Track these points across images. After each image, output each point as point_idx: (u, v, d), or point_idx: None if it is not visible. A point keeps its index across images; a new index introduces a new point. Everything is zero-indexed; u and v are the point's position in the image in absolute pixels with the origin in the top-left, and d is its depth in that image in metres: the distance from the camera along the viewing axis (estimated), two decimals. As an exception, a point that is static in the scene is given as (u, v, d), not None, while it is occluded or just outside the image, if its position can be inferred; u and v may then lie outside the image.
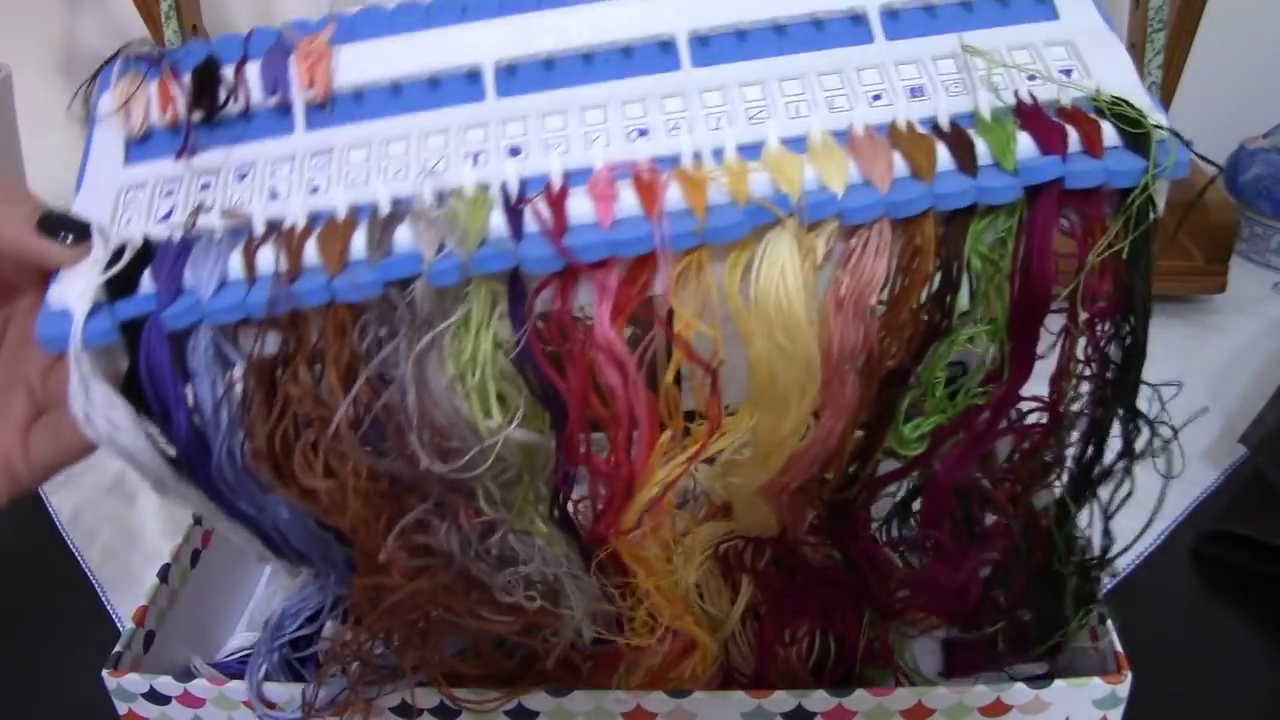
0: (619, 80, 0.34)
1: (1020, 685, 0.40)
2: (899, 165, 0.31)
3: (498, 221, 0.30)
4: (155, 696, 0.42)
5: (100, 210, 0.33)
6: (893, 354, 0.33)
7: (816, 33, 0.34)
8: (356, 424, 0.30)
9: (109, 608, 0.58)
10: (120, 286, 0.30)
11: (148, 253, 0.31)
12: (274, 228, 0.31)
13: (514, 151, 0.32)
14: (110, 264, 0.30)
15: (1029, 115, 0.32)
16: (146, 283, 0.31)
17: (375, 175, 0.32)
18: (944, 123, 0.32)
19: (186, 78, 0.34)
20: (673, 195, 0.31)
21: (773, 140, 0.32)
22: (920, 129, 0.32)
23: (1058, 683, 0.40)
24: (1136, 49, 0.79)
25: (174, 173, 0.33)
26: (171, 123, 0.34)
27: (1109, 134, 0.32)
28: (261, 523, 0.34)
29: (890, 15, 0.34)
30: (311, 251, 0.30)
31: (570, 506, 0.37)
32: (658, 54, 0.34)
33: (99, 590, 0.59)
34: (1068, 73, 0.33)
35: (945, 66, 0.34)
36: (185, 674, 0.46)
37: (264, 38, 0.35)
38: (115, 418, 0.30)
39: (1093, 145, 0.31)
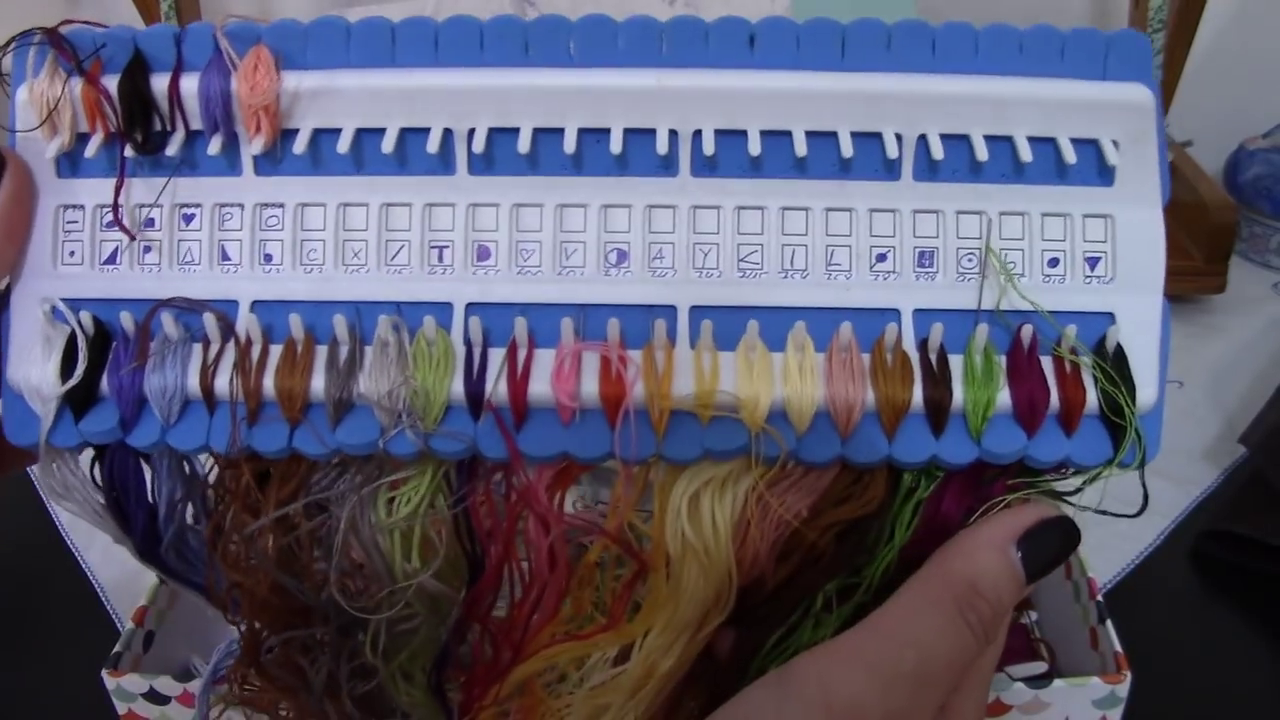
0: (606, 176, 0.30)
1: (1020, 685, 0.40)
2: (869, 401, 0.28)
3: (457, 390, 0.29)
4: (155, 696, 0.42)
5: (41, 232, 0.30)
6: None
7: (839, 157, 0.29)
8: (279, 536, 0.30)
9: (109, 608, 0.58)
10: (81, 396, 0.29)
11: (101, 348, 0.30)
12: (227, 332, 0.29)
13: (482, 254, 0.30)
14: (64, 366, 0.29)
15: (1018, 371, 0.29)
16: (105, 387, 0.29)
17: (332, 258, 0.30)
18: (934, 345, 0.29)
19: (113, 84, 0.29)
20: (637, 395, 0.28)
21: (752, 334, 0.29)
22: (905, 348, 0.29)
23: (1057, 683, 0.40)
24: (1136, 49, 0.79)
25: (118, 199, 0.30)
26: (105, 140, 0.30)
27: (1090, 403, 0.29)
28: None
29: (926, 151, 0.29)
30: (269, 386, 0.29)
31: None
32: (655, 154, 0.29)
33: (99, 590, 0.59)
34: (1093, 263, 0.29)
35: (967, 226, 0.30)
36: (185, 674, 0.46)
37: (199, 40, 0.30)
38: (86, 500, 0.31)
39: (1069, 420, 0.29)
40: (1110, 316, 0.29)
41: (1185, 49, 0.79)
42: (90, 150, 0.30)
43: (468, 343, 0.29)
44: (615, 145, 0.29)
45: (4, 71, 0.30)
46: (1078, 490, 0.30)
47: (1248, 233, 0.84)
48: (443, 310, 0.29)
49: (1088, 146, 0.29)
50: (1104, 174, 0.30)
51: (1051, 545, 0.28)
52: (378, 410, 0.28)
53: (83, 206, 0.30)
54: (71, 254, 0.30)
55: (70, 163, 0.30)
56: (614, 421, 0.28)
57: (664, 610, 0.30)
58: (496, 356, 0.29)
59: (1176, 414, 0.69)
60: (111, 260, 0.30)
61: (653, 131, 0.29)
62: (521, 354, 0.29)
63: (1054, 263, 0.30)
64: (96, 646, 0.46)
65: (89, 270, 0.30)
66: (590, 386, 0.28)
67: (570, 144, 0.29)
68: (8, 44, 0.30)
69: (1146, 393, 0.29)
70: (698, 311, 0.29)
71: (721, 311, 0.29)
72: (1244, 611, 0.55)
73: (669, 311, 0.29)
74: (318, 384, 0.29)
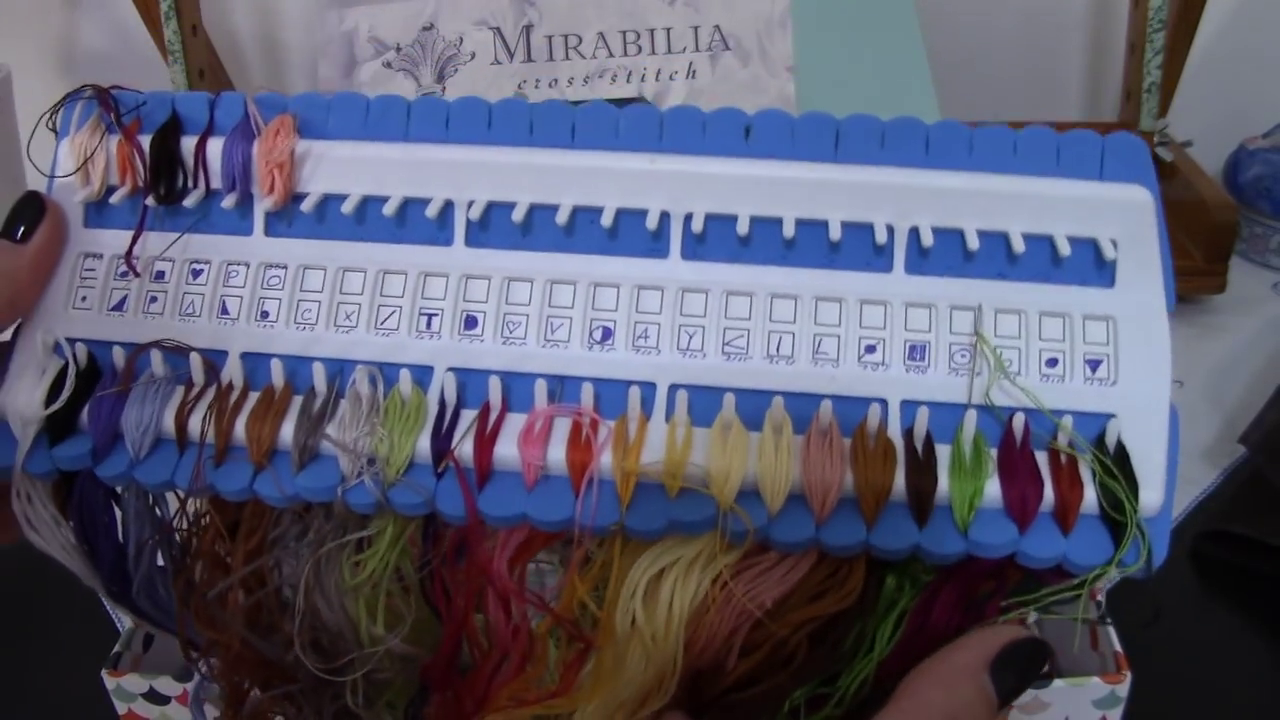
0: (598, 255, 0.30)
1: (1020, 685, 0.40)
2: (846, 484, 0.27)
3: (424, 447, 0.28)
4: (155, 696, 0.42)
5: (59, 276, 0.32)
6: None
7: (829, 246, 0.29)
8: (248, 594, 0.30)
9: (109, 607, 0.58)
10: (60, 424, 0.30)
11: (90, 383, 0.30)
12: (212, 376, 0.30)
13: (469, 323, 0.30)
14: (51, 395, 0.30)
15: (1009, 463, 0.27)
16: (85, 419, 0.30)
17: (324, 319, 0.30)
18: (920, 433, 0.28)
19: (148, 142, 0.31)
20: (604, 464, 0.28)
21: (729, 409, 0.28)
22: (890, 435, 0.28)
23: (1058, 683, 0.40)
24: (1136, 49, 0.79)
25: (134, 246, 0.32)
26: (131, 192, 0.31)
27: (1088, 500, 0.27)
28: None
29: (918, 243, 0.29)
30: (240, 430, 0.29)
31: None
32: (646, 234, 0.30)
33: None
34: (1094, 366, 0.28)
35: (960, 322, 0.29)
36: (185, 674, 0.46)
37: (231, 107, 0.32)
38: (54, 534, 0.31)
39: (1065, 516, 0.27)
40: (1112, 417, 0.28)
41: (1185, 49, 0.79)
42: (114, 199, 0.31)
43: (442, 402, 0.29)
44: (607, 218, 0.29)
45: (52, 125, 0.32)
46: (1077, 595, 0.27)
47: (1248, 233, 0.84)
48: (424, 372, 0.30)
49: (1085, 245, 0.29)
50: (1103, 274, 0.29)
51: (1021, 668, 0.27)
52: (342, 456, 0.28)
53: (102, 256, 0.32)
54: (84, 299, 0.31)
55: (98, 213, 0.32)
56: (579, 488, 0.28)
57: (604, 685, 0.29)
58: (471, 419, 0.29)
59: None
60: (119, 308, 0.31)
61: (645, 212, 0.29)
62: (494, 415, 0.29)
63: (1053, 362, 0.28)
64: (96, 646, 0.46)
65: (96, 315, 0.31)
66: (558, 452, 0.28)
67: (564, 218, 0.29)
68: (63, 100, 0.32)
69: (1151, 494, 0.27)
70: (678, 389, 0.29)
71: (702, 390, 0.29)
72: (1244, 611, 0.55)
73: (649, 388, 0.29)
74: (288, 430, 0.29)
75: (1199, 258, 0.76)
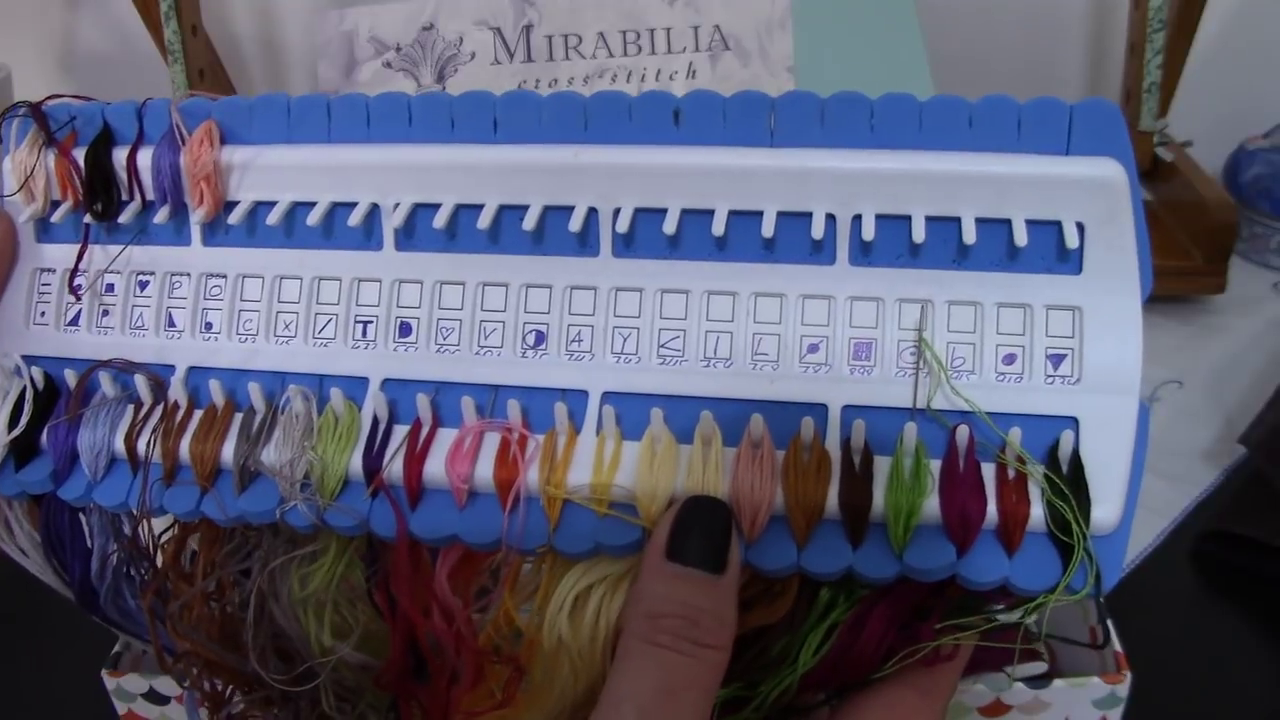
0: (528, 256, 0.29)
1: (1020, 685, 0.40)
2: (778, 502, 0.26)
3: (357, 465, 0.28)
4: (155, 696, 0.42)
5: (17, 292, 0.32)
6: None
7: (765, 239, 0.27)
8: (216, 604, 0.31)
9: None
10: (23, 447, 0.30)
11: (49, 403, 0.31)
12: (160, 394, 0.30)
13: (403, 330, 0.29)
14: (13, 419, 0.30)
15: (950, 478, 0.25)
16: (45, 442, 0.30)
17: (264, 329, 0.30)
18: (858, 445, 0.26)
19: (83, 156, 0.31)
20: (532, 481, 0.27)
21: (657, 423, 0.27)
22: (828, 446, 0.26)
23: (1057, 683, 0.40)
24: (1136, 49, 0.79)
25: (80, 265, 0.32)
26: (73, 208, 0.31)
27: (1035, 518, 0.25)
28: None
29: (860, 233, 0.27)
30: (185, 451, 0.29)
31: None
32: (574, 232, 0.28)
33: (99, 590, 0.59)
34: (1057, 361, 0.26)
35: (909, 317, 0.27)
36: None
37: (158, 114, 0.31)
38: (29, 549, 0.32)
39: (1009, 536, 0.25)
40: (1073, 421, 0.26)
41: (1185, 49, 0.79)
42: (57, 216, 0.31)
43: (374, 419, 0.29)
44: (529, 222, 0.28)
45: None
46: (1020, 623, 0.26)
47: (1248, 233, 0.84)
48: (359, 384, 0.29)
49: (1047, 229, 0.27)
50: (1069, 260, 0.27)
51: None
52: (278, 481, 0.28)
53: (54, 271, 0.32)
54: (42, 314, 0.32)
55: (46, 229, 0.32)
56: (507, 507, 0.27)
57: (538, 700, 0.29)
58: (404, 434, 0.28)
59: (1176, 414, 0.69)
60: (74, 323, 0.32)
61: (571, 209, 0.28)
62: (424, 432, 0.28)
63: (1010, 359, 0.26)
64: (96, 646, 0.46)
65: (54, 331, 0.32)
66: (485, 470, 0.27)
67: (488, 219, 0.28)
68: (8, 112, 0.32)
69: (1107, 509, 0.25)
70: (610, 398, 0.28)
71: (635, 399, 0.28)
72: (1244, 611, 0.55)
73: (580, 397, 0.28)
74: (228, 451, 0.29)
75: (1199, 258, 0.76)
